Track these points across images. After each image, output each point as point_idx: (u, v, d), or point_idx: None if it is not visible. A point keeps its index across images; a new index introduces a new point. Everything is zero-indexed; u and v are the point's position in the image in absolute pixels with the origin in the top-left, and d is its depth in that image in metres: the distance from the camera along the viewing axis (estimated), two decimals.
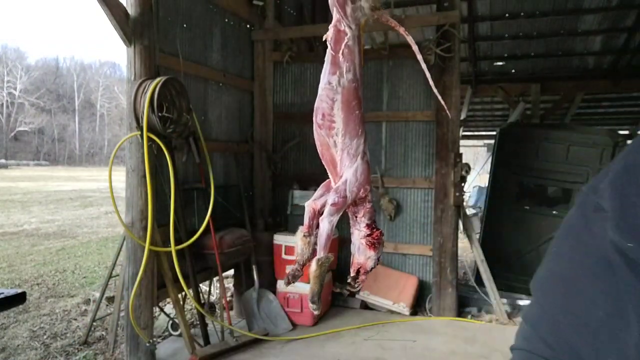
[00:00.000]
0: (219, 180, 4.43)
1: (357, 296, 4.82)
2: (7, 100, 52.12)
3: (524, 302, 4.90)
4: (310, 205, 1.77)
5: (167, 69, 3.70)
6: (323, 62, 1.89)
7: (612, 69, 8.08)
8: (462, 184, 4.59)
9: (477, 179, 13.92)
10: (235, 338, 3.77)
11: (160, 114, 3.27)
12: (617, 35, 7.35)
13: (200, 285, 4.04)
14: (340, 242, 5.01)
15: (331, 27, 1.70)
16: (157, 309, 3.99)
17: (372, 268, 1.90)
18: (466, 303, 4.88)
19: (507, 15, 7.07)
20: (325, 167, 1.77)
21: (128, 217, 3.41)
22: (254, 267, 4.38)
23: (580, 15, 6.88)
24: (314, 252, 1.78)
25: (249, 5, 4.94)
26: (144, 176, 3.32)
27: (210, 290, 4.39)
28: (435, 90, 1.98)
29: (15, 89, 53.40)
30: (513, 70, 8.87)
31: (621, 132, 10.74)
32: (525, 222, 5.39)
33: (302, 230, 1.69)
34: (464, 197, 4.96)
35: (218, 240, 3.88)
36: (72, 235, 9.53)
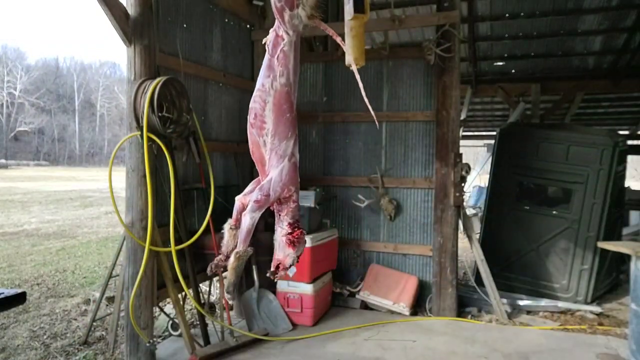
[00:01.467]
0: (219, 180, 4.43)
1: (357, 296, 4.83)
2: (7, 100, 52.11)
3: (524, 302, 4.90)
4: (239, 199, 1.87)
5: (167, 69, 3.70)
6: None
7: (612, 69, 8.08)
8: (462, 184, 4.59)
9: (477, 179, 13.91)
10: (235, 338, 3.78)
11: (160, 114, 3.27)
12: (617, 35, 7.35)
13: (200, 285, 4.04)
14: (341, 242, 5.01)
15: (271, 32, 1.76)
16: (157, 309, 3.99)
17: (290, 265, 1.96)
18: (466, 303, 4.88)
19: (507, 15, 7.07)
20: (255, 164, 1.84)
21: (128, 217, 3.41)
22: (254, 267, 4.37)
23: (580, 15, 6.88)
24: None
25: (249, 5, 4.94)
26: (144, 176, 3.32)
27: (210, 290, 4.39)
28: (365, 98, 2.00)
29: (15, 89, 53.40)
30: (513, 70, 8.87)
31: (621, 132, 10.75)
32: (525, 222, 5.39)
33: (229, 222, 1.80)
34: (464, 197, 4.95)
35: (218, 240, 3.87)
36: (72, 235, 9.53)
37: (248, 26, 5.04)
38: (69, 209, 13.78)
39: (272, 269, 1.68)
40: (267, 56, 1.74)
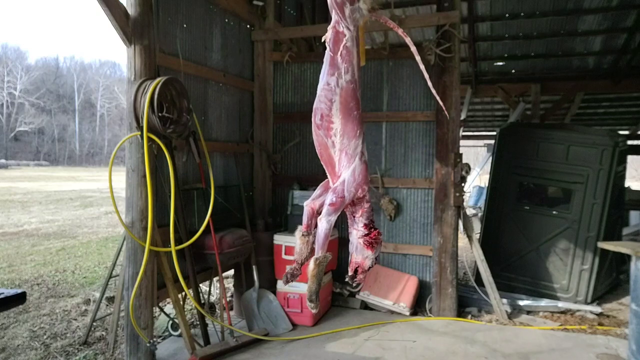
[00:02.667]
0: (219, 180, 4.43)
1: (357, 296, 4.83)
2: (7, 100, 52.12)
3: (524, 302, 4.90)
4: (308, 205, 1.78)
5: (167, 69, 3.70)
6: (323, 62, 1.88)
7: (612, 69, 8.08)
8: (462, 184, 4.59)
9: (477, 179, 13.92)
10: (235, 338, 3.78)
11: (160, 114, 3.27)
12: (617, 35, 7.35)
13: (200, 285, 4.04)
14: (340, 242, 5.01)
15: (330, 29, 1.71)
16: (157, 309, 3.99)
17: (369, 267, 1.90)
18: (466, 303, 4.88)
19: (507, 15, 7.07)
20: (324, 167, 1.78)
21: (128, 217, 3.41)
22: (254, 267, 4.38)
23: (580, 15, 6.88)
24: (312, 251, 1.78)
25: (249, 5, 4.94)
26: (144, 176, 3.32)
27: (210, 290, 4.39)
28: (434, 92, 1.98)
29: (15, 89, 53.40)
30: (513, 71, 8.87)
31: (621, 132, 10.74)
32: (525, 222, 5.39)
33: (300, 229, 1.71)
34: (464, 197, 4.95)
35: (218, 240, 3.88)
36: (72, 235, 9.53)
37: (248, 26, 5.04)
38: (69, 209, 13.78)
39: (350, 272, 1.61)
40: (328, 54, 1.68)
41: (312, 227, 1.78)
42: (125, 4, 3.34)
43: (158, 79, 3.28)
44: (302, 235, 1.69)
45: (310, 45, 6.00)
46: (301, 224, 4.57)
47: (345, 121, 1.73)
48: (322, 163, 1.83)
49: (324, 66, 1.69)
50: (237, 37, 4.86)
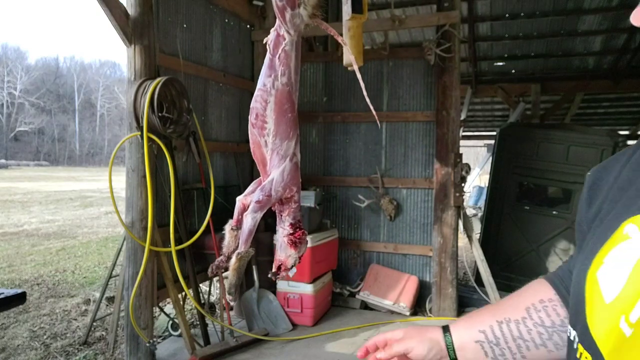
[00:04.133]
0: (219, 180, 4.43)
1: (357, 296, 4.83)
2: (7, 100, 52.13)
3: None
4: (240, 200, 1.87)
5: (167, 69, 3.70)
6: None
7: (612, 69, 8.08)
8: (462, 184, 4.59)
9: (477, 179, 13.92)
10: (235, 338, 3.78)
11: (160, 114, 3.27)
12: (617, 35, 7.35)
13: (200, 285, 4.04)
14: (340, 242, 5.01)
15: (272, 31, 1.74)
16: (157, 309, 3.99)
17: (292, 265, 1.96)
18: (466, 303, 4.88)
19: (507, 15, 7.07)
20: (257, 165, 1.84)
21: (128, 217, 3.41)
22: (254, 267, 4.38)
23: (581, 15, 6.88)
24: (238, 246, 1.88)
25: (249, 5, 4.94)
26: (144, 176, 3.32)
27: (210, 290, 4.39)
28: (365, 94, 2.01)
29: (15, 89, 53.42)
30: (513, 71, 8.87)
31: (621, 132, 10.74)
32: (525, 222, 5.39)
33: (230, 223, 1.79)
34: (464, 197, 4.95)
35: (218, 240, 3.87)
36: (72, 235, 9.53)
37: (248, 26, 5.04)
38: (69, 209, 13.78)
39: (274, 269, 1.67)
40: (268, 56, 1.73)
41: (242, 222, 1.88)
42: (125, 4, 3.34)
43: (158, 79, 3.28)
44: (232, 229, 1.79)
45: (310, 45, 6.00)
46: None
47: (279, 122, 1.78)
48: (255, 160, 1.90)
49: (263, 67, 1.74)
50: (237, 37, 4.86)
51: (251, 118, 1.80)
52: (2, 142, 50.02)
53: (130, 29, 3.35)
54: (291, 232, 1.87)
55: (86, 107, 61.58)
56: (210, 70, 4.36)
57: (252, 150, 1.87)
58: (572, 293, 0.59)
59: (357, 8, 2.66)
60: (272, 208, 1.95)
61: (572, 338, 0.57)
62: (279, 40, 1.72)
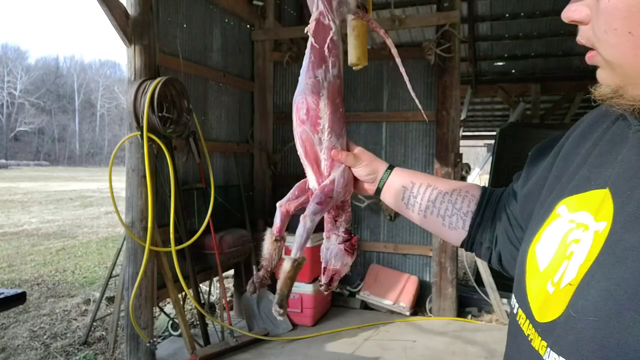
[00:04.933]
0: (219, 180, 4.43)
1: (357, 296, 4.83)
2: (7, 100, 52.14)
3: None
4: (283, 206, 1.65)
5: (167, 69, 3.70)
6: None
7: None
8: None
9: (477, 179, 13.91)
10: (235, 338, 3.78)
11: (160, 114, 3.27)
12: None
13: (200, 285, 4.04)
14: None
15: (313, 21, 1.65)
16: (157, 309, 3.99)
17: (344, 274, 1.86)
18: (466, 303, 4.88)
19: (507, 15, 7.07)
20: (308, 165, 1.67)
21: (128, 217, 3.41)
22: (254, 267, 4.38)
23: None
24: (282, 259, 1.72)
25: (249, 5, 4.94)
26: (144, 176, 3.32)
27: (210, 290, 4.39)
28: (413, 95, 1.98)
29: (15, 89, 53.43)
30: (513, 71, 8.87)
31: None
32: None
33: (272, 232, 1.53)
34: None
35: (218, 240, 3.88)
36: (72, 235, 9.53)
37: (248, 26, 5.04)
38: (69, 209, 13.79)
39: (326, 280, 1.45)
40: (314, 46, 1.60)
41: (283, 231, 1.69)
42: (125, 4, 3.34)
43: (158, 79, 3.28)
44: (275, 240, 1.51)
45: None
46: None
47: (333, 118, 1.71)
48: (306, 161, 1.74)
49: (307, 58, 1.62)
50: (237, 37, 4.86)
51: (299, 114, 1.68)
52: (2, 142, 50.03)
53: (130, 29, 3.35)
54: (347, 238, 1.73)
55: (86, 107, 61.60)
56: (210, 70, 4.36)
57: (302, 151, 1.71)
58: (517, 265, 0.68)
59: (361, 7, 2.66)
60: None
61: (512, 305, 0.67)
62: (325, 29, 1.63)
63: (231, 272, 4.91)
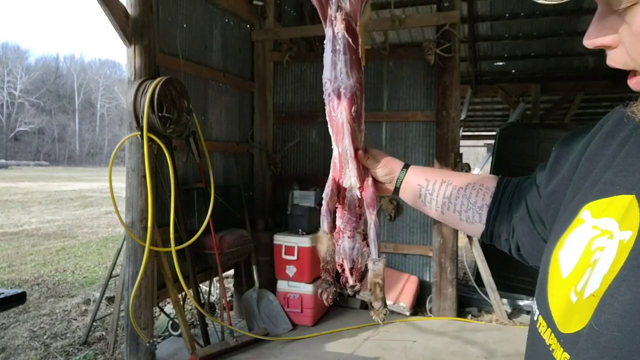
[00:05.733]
0: (219, 181, 4.43)
1: (357, 296, 4.82)
2: (7, 100, 52.15)
3: (524, 302, 4.90)
4: (329, 204, 1.40)
5: (167, 69, 3.70)
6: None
7: (612, 69, 8.04)
8: None
9: None
10: (235, 338, 3.78)
11: (160, 114, 3.27)
12: None
13: (200, 285, 4.04)
14: None
15: (342, 20, 1.50)
16: (157, 309, 4.00)
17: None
18: (466, 303, 4.88)
19: (507, 15, 7.07)
20: (354, 164, 1.41)
21: (128, 217, 3.41)
22: (254, 267, 4.38)
23: (580, 15, 6.88)
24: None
25: (249, 5, 4.94)
26: (144, 176, 3.32)
27: (210, 290, 4.39)
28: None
29: (15, 89, 53.44)
30: (513, 71, 8.87)
31: None
32: None
33: (325, 232, 1.17)
34: None
35: (218, 240, 3.88)
36: (72, 235, 9.53)
37: (248, 26, 5.04)
38: (69, 209, 13.79)
39: (356, 281, 1.09)
40: (351, 48, 1.42)
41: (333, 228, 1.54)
42: (125, 4, 3.34)
43: (158, 79, 3.28)
44: (330, 238, 1.12)
45: (311, 45, 6.00)
46: (301, 224, 4.51)
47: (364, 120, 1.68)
48: (351, 160, 1.47)
49: (346, 61, 1.48)
50: (237, 37, 4.86)
51: (351, 111, 1.52)
52: (2, 142, 50.04)
53: (130, 28, 3.35)
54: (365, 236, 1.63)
55: (86, 107, 61.60)
56: (210, 70, 4.36)
57: (352, 148, 1.48)
58: (540, 271, 0.68)
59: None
60: (343, 211, 1.50)
61: (533, 311, 0.66)
62: (355, 28, 1.56)
63: (231, 272, 4.91)
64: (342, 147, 1.05)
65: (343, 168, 1.06)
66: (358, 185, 1.04)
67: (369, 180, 1.08)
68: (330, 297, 1.00)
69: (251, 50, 5.10)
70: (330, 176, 1.07)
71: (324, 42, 1.00)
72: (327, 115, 1.06)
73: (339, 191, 1.08)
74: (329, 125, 1.03)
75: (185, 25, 4.03)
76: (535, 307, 0.65)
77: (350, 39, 1.05)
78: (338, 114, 1.06)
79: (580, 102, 9.29)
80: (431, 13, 6.05)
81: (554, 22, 7.16)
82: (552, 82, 8.51)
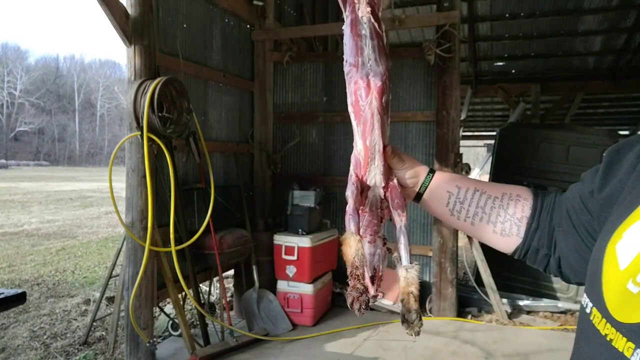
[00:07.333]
0: (219, 181, 4.43)
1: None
2: (7, 100, 52.15)
3: (524, 302, 4.90)
4: (357, 204, 1.20)
5: (167, 69, 3.70)
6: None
7: (612, 69, 8.08)
8: None
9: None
10: (235, 338, 3.78)
11: (160, 114, 3.27)
12: (617, 35, 7.35)
13: (200, 285, 4.04)
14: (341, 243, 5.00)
15: (368, 2, 1.36)
16: (157, 309, 4.00)
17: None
18: (466, 303, 4.88)
19: (507, 15, 7.07)
20: (381, 162, 1.23)
21: (128, 217, 3.41)
22: (254, 267, 4.38)
23: (580, 15, 6.88)
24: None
25: (249, 5, 4.94)
26: (144, 176, 3.32)
27: (210, 290, 4.39)
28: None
29: (15, 89, 53.44)
30: (513, 71, 8.87)
31: (621, 132, 10.74)
32: None
33: (353, 233, 1.00)
34: None
35: (218, 240, 3.88)
36: (72, 235, 9.53)
37: (248, 26, 5.04)
38: (69, 209, 13.78)
39: (378, 289, 0.96)
40: (379, 43, 1.27)
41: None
42: (125, 4, 3.34)
43: (158, 79, 3.28)
44: (359, 240, 0.97)
45: (311, 45, 6.00)
46: (301, 224, 4.51)
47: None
48: (379, 158, 1.26)
49: (376, 52, 1.32)
50: (237, 37, 4.86)
51: (382, 101, 1.43)
52: (2, 142, 50.04)
53: (130, 29, 3.35)
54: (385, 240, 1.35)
55: (86, 107, 61.60)
56: (210, 70, 4.36)
57: (381, 144, 1.33)
58: (590, 264, 0.65)
59: None
60: (363, 211, 1.33)
61: (584, 304, 0.64)
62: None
63: (231, 272, 4.91)
64: (370, 140, 0.93)
65: (368, 164, 0.95)
66: (383, 184, 0.93)
67: (395, 180, 0.97)
68: (363, 307, 0.87)
69: (251, 50, 5.10)
70: (351, 173, 0.95)
71: (342, 27, 0.92)
72: (350, 105, 0.93)
73: (363, 190, 0.95)
74: (352, 117, 0.92)
75: (185, 25, 4.03)
76: (587, 300, 0.63)
77: (376, 24, 0.98)
78: (367, 104, 0.93)
79: (580, 102, 9.30)
80: (431, 13, 6.05)
81: (554, 22, 7.16)
82: (552, 82, 8.51)
